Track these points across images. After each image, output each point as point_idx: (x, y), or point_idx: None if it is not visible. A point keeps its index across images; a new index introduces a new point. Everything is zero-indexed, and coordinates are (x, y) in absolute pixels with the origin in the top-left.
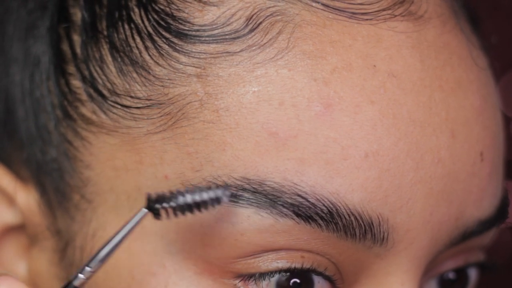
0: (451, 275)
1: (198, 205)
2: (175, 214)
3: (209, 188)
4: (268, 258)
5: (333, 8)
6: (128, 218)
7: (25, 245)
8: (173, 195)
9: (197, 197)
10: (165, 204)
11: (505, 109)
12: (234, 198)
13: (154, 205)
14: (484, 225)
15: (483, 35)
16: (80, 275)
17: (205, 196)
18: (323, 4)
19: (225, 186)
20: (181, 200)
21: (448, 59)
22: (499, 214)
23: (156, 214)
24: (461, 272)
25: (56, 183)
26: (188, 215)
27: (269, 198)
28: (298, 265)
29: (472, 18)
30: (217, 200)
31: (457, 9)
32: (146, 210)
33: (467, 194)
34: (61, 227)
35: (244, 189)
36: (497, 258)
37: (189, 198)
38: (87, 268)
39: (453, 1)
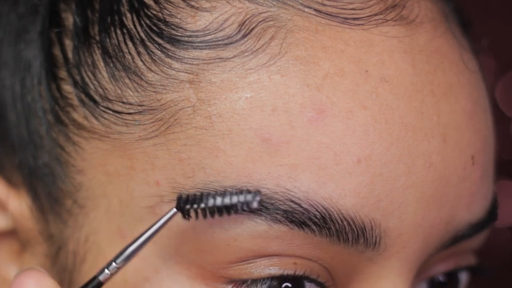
0: (441, 278)
1: (227, 208)
2: (204, 216)
3: (239, 192)
4: (260, 264)
5: (325, 14)
6: (119, 223)
7: (17, 250)
8: (203, 197)
9: (227, 201)
10: (195, 206)
11: (505, 109)
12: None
13: (184, 206)
14: (475, 228)
15: (475, 38)
16: (106, 271)
17: (235, 199)
18: (315, 10)
19: (256, 192)
20: (211, 202)
21: (439, 64)
22: (489, 217)
23: (186, 214)
24: (451, 275)
25: (49, 188)
26: (216, 217)
27: (262, 204)
28: (290, 272)
29: (462, 21)
30: (246, 205)
31: (448, 12)
32: (175, 210)
33: (458, 198)
34: (53, 232)
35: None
36: (497, 258)
37: (219, 201)
38: (113, 264)
39: (444, 5)
